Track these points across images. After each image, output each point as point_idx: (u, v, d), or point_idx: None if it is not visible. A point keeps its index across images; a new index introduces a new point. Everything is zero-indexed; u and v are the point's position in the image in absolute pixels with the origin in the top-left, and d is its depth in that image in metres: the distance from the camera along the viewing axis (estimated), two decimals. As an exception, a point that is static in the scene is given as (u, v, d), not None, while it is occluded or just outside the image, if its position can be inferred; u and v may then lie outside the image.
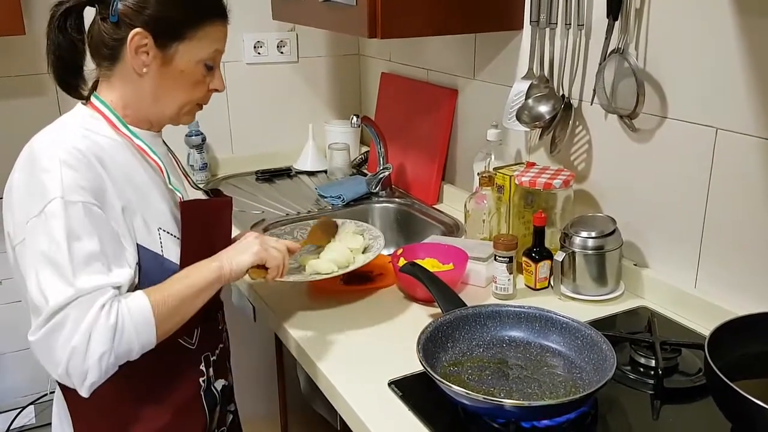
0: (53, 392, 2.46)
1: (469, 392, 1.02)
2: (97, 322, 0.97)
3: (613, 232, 1.42)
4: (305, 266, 1.42)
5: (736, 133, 1.24)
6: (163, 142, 1.23)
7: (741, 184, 1.25)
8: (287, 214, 2.00)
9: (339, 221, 1.57)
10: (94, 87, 1.17)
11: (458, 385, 1.03)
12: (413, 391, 1.13)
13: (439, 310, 1.27)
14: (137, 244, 1.08)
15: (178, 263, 1.13)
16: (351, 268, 1.40)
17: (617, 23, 1.38)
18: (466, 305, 1.27)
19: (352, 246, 1.47)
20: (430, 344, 1.15)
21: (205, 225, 1.19)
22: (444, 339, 1.19)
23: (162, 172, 1.17)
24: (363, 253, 1.47)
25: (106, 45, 1.10)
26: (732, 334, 1.07)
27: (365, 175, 2.25)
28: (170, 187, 1.18)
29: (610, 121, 1.49)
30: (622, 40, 1.38)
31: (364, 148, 2.48)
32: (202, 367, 1.23)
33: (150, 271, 1.09)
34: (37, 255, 0.99)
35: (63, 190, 0.99)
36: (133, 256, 1.07)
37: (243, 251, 1.16)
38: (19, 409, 2.28)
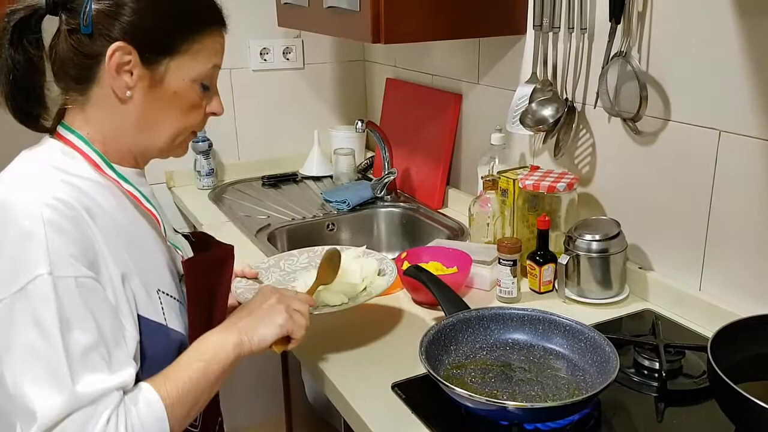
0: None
1: (472, 394, 1.02)
2: None
3: (617, 235, 1.42)
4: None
5: (740, 135, 1.24)
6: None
7: (745, 186, 1.25)
8: (293, 219, 2.01)
9: (339, 247, 1.46)
10: (60, 115, 0.95)
11: (461, 388, 1.03)
12: (416, 394, 1.13)
13: (442, 314, 1.27)
14: (138, 315, 0.90)
15: (182, 331, 0.97)
16: (373, 293, 1.29)
17: (620, 26, 1.38)
18: (469, 308, 1.27)
19: (365, 272, 1.36)
20: (433, 347, 1.15)
21: (208, 282, 1.03)
22: (447, 342, 1.19)
23: (159, 224, 0.99)
24: (378, 275, 1.38)
25: (77, 64, 0.89)
26: (735, 336, 1.07)
27: (370, 179, 2.26)
28: (169, 243, 1.02)
29: (613, 124, 1.49)
30: (624, 43, 1.38)
31: (370, 153, 2.49)
32: None
33: (154, 346, 0.91)
34: (18, 348, 0.79)
35: (51, 263, 0.79)
36: (133, 334, 0.88)
37: (266, 322, 0.99)
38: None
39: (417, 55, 2.19)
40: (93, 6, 0.87)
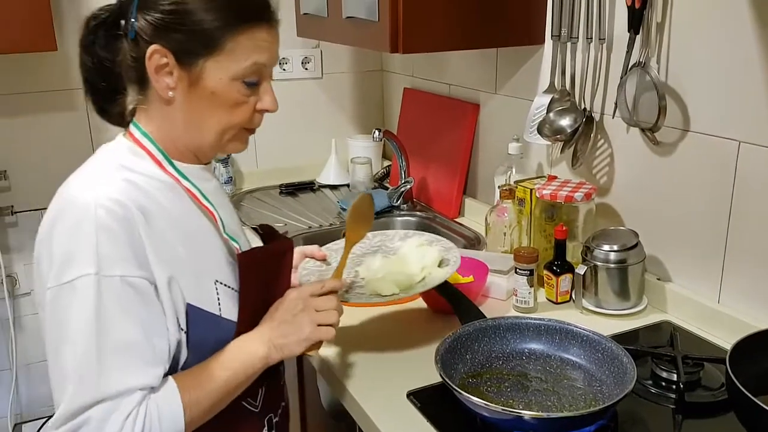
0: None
1: (488, 403, 1.02)
2: None
3: (635, 246, 1.41)
4: (362, 280, 1.26)
5: (759, 146, 1.23)
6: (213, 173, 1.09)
7: (765, 196, 1.24)
8: (310, 227, 2.02)
9: (402, 232, 1.43)
10: (133, 113, 1.01)
11: (477, 397, 1.03)
12: (432, 402, 1.13)
13: (458, 322, 1.27)
14: (188, 304, 0.93)
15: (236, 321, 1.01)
16: (429, 285, 1.23)
17: (638, 37, 1.38)
18: (485, 317, 1.27)
19: (425, 261, 1.29)
20: (449, 355, 1.15)
21: (264, 275, 1.05)
22: (463, 350, 1.18)
23: (216, 220, 1.01)
24: (439, 266, 1.30)
25: (132, 66, 0.95)
26: (755, 349, 1.06)
27: (387, 188, 2.27)
28: (226, 236, 1.03)
29: (632, 135, 1.49)
30: (643, 53, 1.38)
31: (387, 163, 2.50)
32: None
33: (204, 335, 0.95)
34: (60, 336, 0.85)
35: (98, 263, 0.85)
36: (174, 333, 0.92)
37: (293, 337, 1.01)
38: (45, 419, 2.32)
39: (435, 65, 2.20)
40: (136, 12, 0.93)
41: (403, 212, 2.12)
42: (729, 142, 1.28)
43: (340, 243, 1.38)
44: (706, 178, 1.34)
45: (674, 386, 1.15)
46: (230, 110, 0.97)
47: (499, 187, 1.68)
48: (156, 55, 0.92)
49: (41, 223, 0.93)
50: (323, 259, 1.34)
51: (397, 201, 2.12)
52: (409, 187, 2.11)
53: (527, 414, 1.02)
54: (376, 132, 2.03)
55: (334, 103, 2.55)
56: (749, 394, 0.93)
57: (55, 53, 1.96)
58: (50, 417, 2.37)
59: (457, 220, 2.03)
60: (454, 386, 1.04)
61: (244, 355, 0.98)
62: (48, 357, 0.89)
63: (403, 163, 2.13)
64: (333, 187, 2.40)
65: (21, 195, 2.16)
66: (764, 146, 1.22)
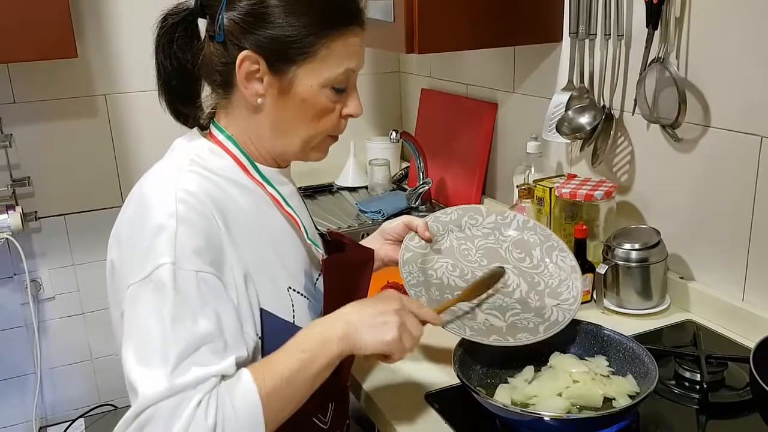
0: (103, 405, 2.51)
1: (507, 405, 1.01)
2: (192, 425, 0.77)
3: (657, 244, 1.39)
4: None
5: (783, 141, 1.21)
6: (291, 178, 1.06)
7: (789, 193, 1.22)
8: (328, 229, 2.02)
9: (521, 218, 1.29)
10: (212, 114, 0.98)
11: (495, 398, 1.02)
12: (450, 403, 1.13)
13: (477, 323, 1.26)
14: (261, 309, 0.91)
15: None
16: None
17: (657, 32, 1.36)
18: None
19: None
20: (467, 356, 1.14)
21: (346, 282, 1.02)
22: (481, 351, 1.17)
23: (299, 226, 0.99)
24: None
25: (218, 70, 0.92)
26: (780, 347, 1.04)
27: (405, 190, 2.26)
28: (309, 242, 1.00)
29: (652, 131, 1.47)
30: (662, 49, 1.36)
31: (405, 164, 2.49)
32: None
33: (277, 342, 0.89)
34: (137, 330, 0.82)
35: (175, 255, 0.82)
36: (251, 335, 0.89)
37: (374, 332, 0.90)
38: (70, 422, 2.34)
39: (452, 65, 2.19)
40: (225, 15, 0.89)
41: (421, 213, 2.11)
42: (751, 137, 1.26)
43: (453, 215, 1.29)
44: (729, 175, 1.32)
45: (698, 386, 1.13)
46: (318, 117, 0.95)
47: (517, 186, 1.66)
48: (247, 62, 0.89)
49: (117, 221, 0.90)
50: (428, 241, 1.24)
51: (415, 202, 2.11)
52: (427, 188, 2.11)
53: (547, 415, 1.01)
54: (394, 133, 2.03)
55: (352, 105, 2.55)
56: (775, 394, 0.91)
57: (75, 60, 1.98)
58: (74, 421, 2.39)
59: (476, 220, 2.02)
60: (472, 387, 1.03)
61: (320, 336, 0.88)
62: (123, 358, 0.83)
63: (421, 164, 2.12)
64: (351, 190, 2.41)
65: (44, 201, 2.18)
66: (788, 141, 1.20)
